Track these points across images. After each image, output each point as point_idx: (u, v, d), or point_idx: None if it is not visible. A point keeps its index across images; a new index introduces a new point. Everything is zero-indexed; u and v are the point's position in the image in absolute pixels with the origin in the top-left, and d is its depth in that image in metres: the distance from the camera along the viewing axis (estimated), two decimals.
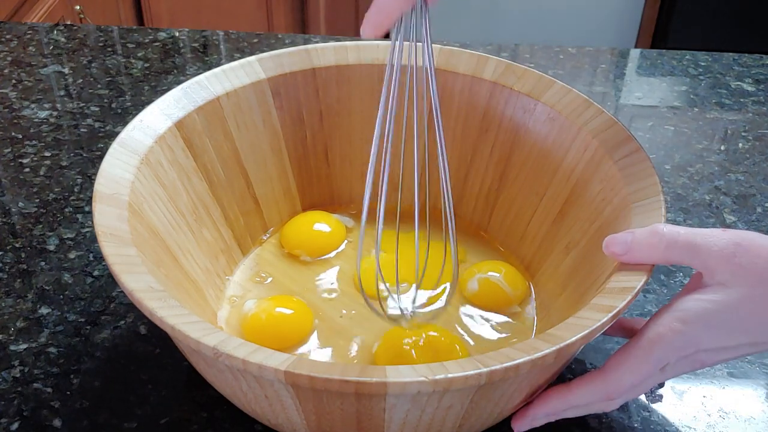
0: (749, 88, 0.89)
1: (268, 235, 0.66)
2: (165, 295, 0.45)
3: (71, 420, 0.53)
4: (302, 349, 0.57)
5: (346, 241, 0.66)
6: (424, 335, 0.57)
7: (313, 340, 0.58)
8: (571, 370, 0.57)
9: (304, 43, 0.81)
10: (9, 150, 0.77)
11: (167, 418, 0.53)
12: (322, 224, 0.66)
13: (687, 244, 0.46)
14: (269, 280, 0.62)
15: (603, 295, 0.46)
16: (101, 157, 0.53)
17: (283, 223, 0.66)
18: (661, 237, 0.46)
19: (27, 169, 0.75)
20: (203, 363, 0.47)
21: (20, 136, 0.79)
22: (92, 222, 0.49)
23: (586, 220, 0.56)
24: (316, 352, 0.57)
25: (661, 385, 0.55)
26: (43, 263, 0.64)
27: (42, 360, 0.57)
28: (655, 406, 0.54)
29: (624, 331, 0.54)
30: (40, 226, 0.68)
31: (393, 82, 0.50)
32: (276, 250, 0.65)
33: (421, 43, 0.50)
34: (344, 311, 0.60)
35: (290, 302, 0.60)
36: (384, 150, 0.51)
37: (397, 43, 0.49)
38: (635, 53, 0.99)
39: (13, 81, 0.87)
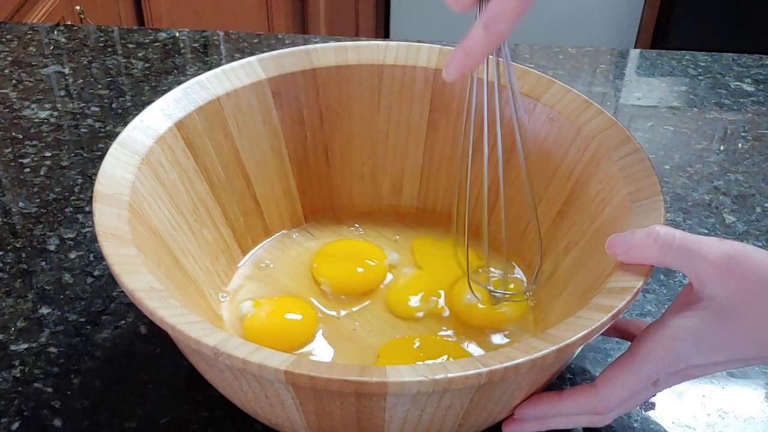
0: (749, 89, 0.89)
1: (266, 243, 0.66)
2: (165, 295, 0.45)
3: (72, 420, 0.53)
4: (307, 349, 0.57)
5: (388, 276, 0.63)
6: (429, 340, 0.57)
7: (317, 342, 0.58)
8: (570, 369, 0.57)
9: (304, 44, 0.81)
10: (9, 150, 0.77)
11: (167, 417, 0.53)
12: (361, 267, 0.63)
13: (681, 248, 0.46)
14: (272, 265, 0.62)
15: (602, 295, 0.46)
16: (101, 157, 0.53)
17: (283, 224, 0.66)
18: (656, 238, 0.46)
19: (27, 169, 0.75)
20: (203, 363, 0.47)
21: (21, 136, 0.79)
22: (93, 222, 0.49)
23: (585, 220, 0.56)
24: (320, 352, 0.57)
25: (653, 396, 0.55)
26: (43, 263, 0.65)
27: (42, 360, 0.57)
28: (655, 405, 0.54)
29: (621, 332, 0.54)
30: (41, 226, 0.68)
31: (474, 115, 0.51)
32: (276, 249, 0.65)
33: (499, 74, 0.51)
34: (345, 312, 0.60)
35: (293, 303, 0.60)
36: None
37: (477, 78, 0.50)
38: (635, 53, 0.99)
39: (14, 81, 0.87)
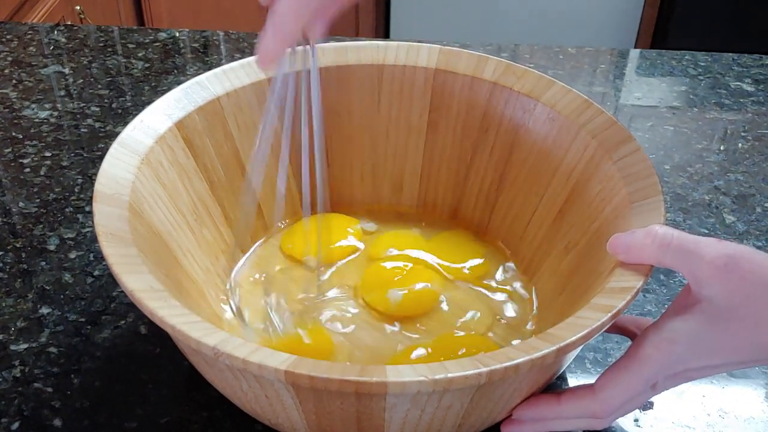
0: (749, 89, 0.89)
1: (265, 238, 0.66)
2: (165, 295, 0.45)
3: (72, 420, 0.53)
4: None
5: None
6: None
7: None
8: (570, 369, 0.57)
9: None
10: (9, 150, 0.77)
11: (168, 417, 0.53)
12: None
13: (679, 248, 0.45)
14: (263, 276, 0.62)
15: (602, 294, 0.46)
16: (102, 157, 0.53)
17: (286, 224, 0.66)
18: (654, 238, 0.46)
19: (27, 169, 0.75)
20: (204, 363, 0.47)
21: (21, 136, 0.79)
22: (93, 222, 0.49)
23: (585, 220, 0.56)
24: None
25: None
26: (43, 263, 0.65)
27: (42, 360, 0.57)
28: (654, 405, 0.54)
29: (621, 330, 0.54)
30: (41, 226, 0.68)
31: (279, 103, 0.54)
32: (275, 249, 0.65)
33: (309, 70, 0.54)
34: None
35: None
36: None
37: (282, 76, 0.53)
38: (635, 53, 0.99)
39: (14, 81, 0.87)
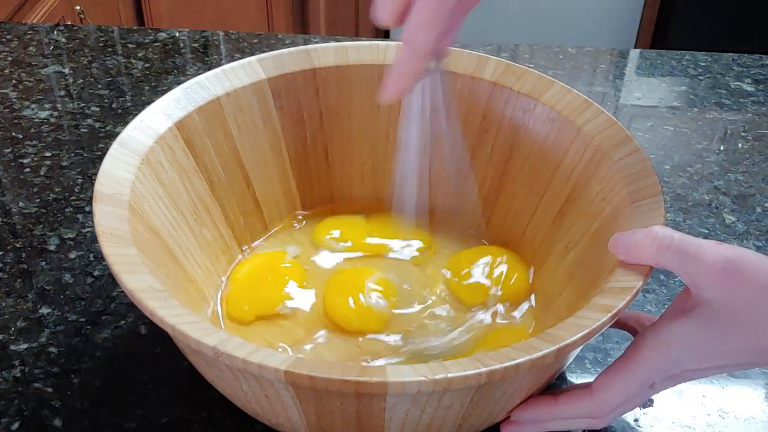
0: (749, 89, 0.89)
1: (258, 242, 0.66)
2: (165, 295, 0.45)
3: (72, 420, 0.53)
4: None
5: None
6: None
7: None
8: (570, 369, 0.57)
9: (304, 44, 0.81)
10: (9, 150, 0.77)
11: (167, 417, 0.53)
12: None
13: (678, 250, 0.45)
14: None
15: (603, 294, 0.46)
16: (102, 157, 0.53)
17: (283, 224, 0.66)
18: (654, 239, 0.46)
19: (27, 169, 0.75)
20: (204, 363, 0.47)
21: (21, 136, 0.79)
22: (93, 222, 0.49)
23: (585, 220, 0.56)
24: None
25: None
26: (43, 263, 0.65)
27: (42, 360, 0.57)
28: (654, 404, 0.55)
29: (621, 325, 0.54)
30: (41, 226, 0.68)
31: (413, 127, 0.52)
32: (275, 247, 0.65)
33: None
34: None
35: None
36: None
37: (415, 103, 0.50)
38: (635, 53, 0.99)
39: (14, 81, 0.87)
